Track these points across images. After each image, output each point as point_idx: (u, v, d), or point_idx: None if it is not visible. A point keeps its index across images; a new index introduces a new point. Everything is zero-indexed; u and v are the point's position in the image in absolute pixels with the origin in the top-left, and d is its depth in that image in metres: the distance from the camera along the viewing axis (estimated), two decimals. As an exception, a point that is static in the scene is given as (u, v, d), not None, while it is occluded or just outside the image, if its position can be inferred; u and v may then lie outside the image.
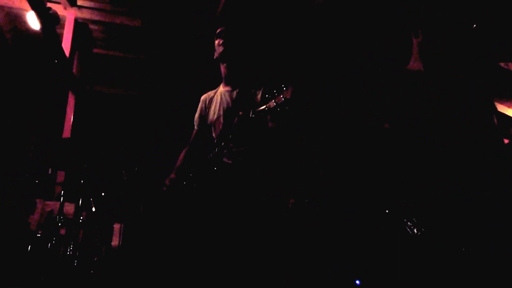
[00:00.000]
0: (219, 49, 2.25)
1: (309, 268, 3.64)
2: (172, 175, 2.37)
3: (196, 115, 2.50)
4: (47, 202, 3.73)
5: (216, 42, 2.26)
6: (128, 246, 3.61)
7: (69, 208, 3.54)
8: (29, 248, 3.03)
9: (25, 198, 3.40)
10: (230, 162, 2.14)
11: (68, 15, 4.97)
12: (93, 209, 3.43)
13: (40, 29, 4.05)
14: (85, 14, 5.08)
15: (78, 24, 5.13)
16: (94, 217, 3.52)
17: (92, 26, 5.41)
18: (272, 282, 3.06)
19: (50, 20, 3.95)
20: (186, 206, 2.26)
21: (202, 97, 2.48)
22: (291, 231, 3.83)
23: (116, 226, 3.70)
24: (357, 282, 3.53)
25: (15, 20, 5.23)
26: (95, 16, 5.12)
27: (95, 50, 5.94)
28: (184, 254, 2.23)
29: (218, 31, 2.27)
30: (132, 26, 5.23)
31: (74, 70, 5.58)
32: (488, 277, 1.56)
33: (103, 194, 3.65)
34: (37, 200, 3.61)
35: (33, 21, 4.37)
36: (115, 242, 3.66)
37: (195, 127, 2.51)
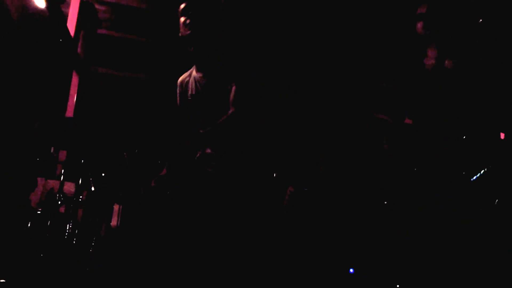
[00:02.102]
0: (184, 31, 2.00)
1: (305, 258, 3.68)
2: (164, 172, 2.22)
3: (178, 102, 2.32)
4: (48, 181, 3.77)
5: (181, 20, 2.01)
6: (127, 227, 3.66)
7: (70, 187, 3.58)
8: (29, 225, 3.08)
9: (27, 176, 3.44)
10: (210, 170, 2.04)
11: (74, -6, 4.95)
12: (93, 188, 3.48)
13: (45, 7, 4.04)
14: (91, -6, 5.06)
15: (84, 4, 5.11)
16: (94, 197, 3.57)
17: (98, 6, 5.38)
18: (272, 281, 3.09)
19: (55, -2, 3.94)
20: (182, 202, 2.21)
21: (178, 82, 2.31)
22: (289, 221, 3.86)
23: (116, 207, 3.75)
24: (351, 270, 3.57)
25: (21, -3, 5.22)
26: (101, -4, 5.11)
27: (100, 31, 5.92)
28: (182, 242, 2.21)
29: (181, 7, 2.01)
30: (138, 8, 5.21)
31: (78, 50, 5.58)
32: (488, 277, 1.56)
33: (103, 174, 3.69)
34: (38, 178, 3.65)
35: (38, -1, 4.35)
36: (114, 222, 3.71)
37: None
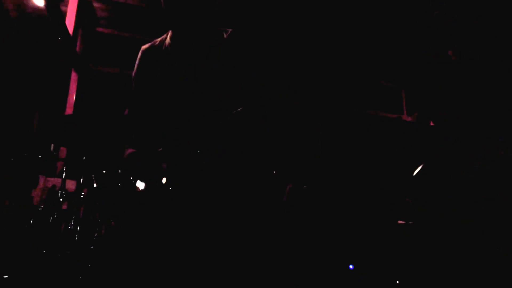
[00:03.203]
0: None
1: (305, 255, 3.70)
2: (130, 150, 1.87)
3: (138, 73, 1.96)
4: (49, 178, 3.79)
5: None
6: (128, 224, 3.67)
7: (71, 184, 3.59)
8: (31, 221, 3.10)
9: (28, 174, 3.45)
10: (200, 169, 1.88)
11: (72, -7, 4.96)
12: (94, 185, 3.48)
13: (44, 6, 4.05)
14: (89, -8, 5.07)
15: (82, 2, 5.12)
16: (95, 194, 3.58)
17: (96, 4, 5.39)
18: (271, 278, 3.11)
19: (54, -3, 3.94)
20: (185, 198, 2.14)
21: (143, 49, 1.96)
22: (288, 218, 3.89)
23: (119, 204, 3.75)
24: (351, 266, 3.60)
25: (19, -4, 5.21)
26: (99, -6, 5.12)
27: (98, 29, 5.93)
28: (182, 240, 2.18)
29: None
30: (137, 5, 5.22)
31: (77, 49, 5.58)
32: (488, 276, 1.56)
33: (104, 171, 3.69)
34: (40, 176, 3.67)
35: (37, -3, 4.35)
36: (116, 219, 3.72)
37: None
